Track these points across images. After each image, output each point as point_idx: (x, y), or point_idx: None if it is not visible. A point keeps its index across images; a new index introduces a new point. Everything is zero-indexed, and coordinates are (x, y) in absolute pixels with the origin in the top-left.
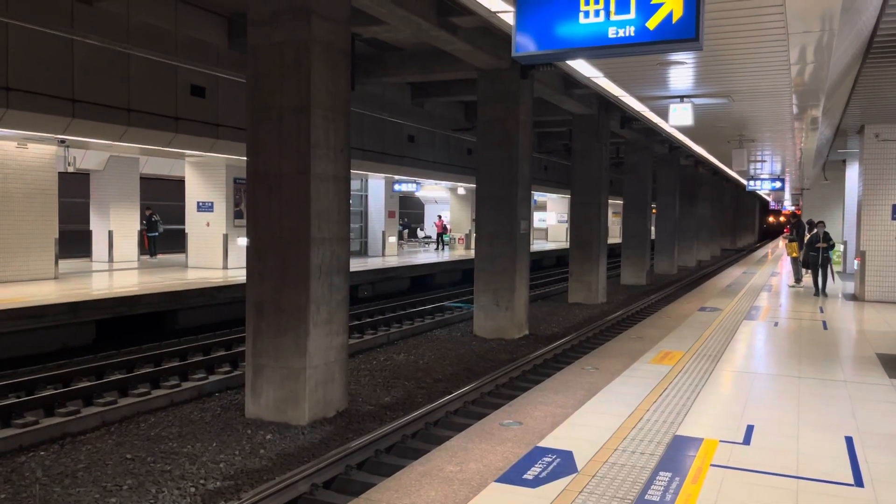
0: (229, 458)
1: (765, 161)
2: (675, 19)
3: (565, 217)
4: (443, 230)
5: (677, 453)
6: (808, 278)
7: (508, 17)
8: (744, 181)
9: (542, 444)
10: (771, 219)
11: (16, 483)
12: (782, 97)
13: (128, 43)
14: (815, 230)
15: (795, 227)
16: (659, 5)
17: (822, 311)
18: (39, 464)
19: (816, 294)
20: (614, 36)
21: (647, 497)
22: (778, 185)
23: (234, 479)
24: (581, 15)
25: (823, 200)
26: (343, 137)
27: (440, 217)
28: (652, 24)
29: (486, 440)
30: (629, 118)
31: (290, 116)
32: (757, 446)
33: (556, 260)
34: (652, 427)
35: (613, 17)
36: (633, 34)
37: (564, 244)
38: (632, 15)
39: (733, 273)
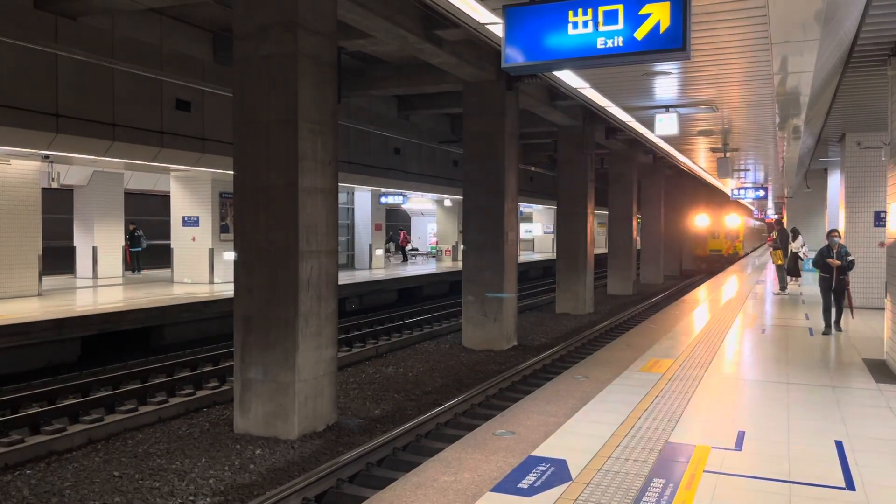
0: (219, 473)
1: (748, 170)
2: (662, 29)
3: (551, 228)
4: (405, 243)
5: (670, 460)
6: (793, 286)
7: (496, 29)
8: (728, 190)
9: (536, 453)
10: (706, 214)
11: (2, 502)
12: (765, 106)
13: (112, 58)
14: (827, 243)
15: (779, 234)
16: (646, 16)
17: (807, 317)
18: (26, 482)
19: (827, 331)
20: (603, 46)
21: None
22: (762, 193)
23: (223, 495)
24: (570, 26)
25: (806, 209)
26: (330, 150)
27: (402, 232)
28: (640, 34)
29: (480, 450)
30: (614, 129)
31: (278, 130)
32: (749, 452)
33: (543, 271)
34: (644, 434)
35: (602, 28)
36: (621, 45)
37: (551, 255)
38: (620, 26)
39: (719, 281)
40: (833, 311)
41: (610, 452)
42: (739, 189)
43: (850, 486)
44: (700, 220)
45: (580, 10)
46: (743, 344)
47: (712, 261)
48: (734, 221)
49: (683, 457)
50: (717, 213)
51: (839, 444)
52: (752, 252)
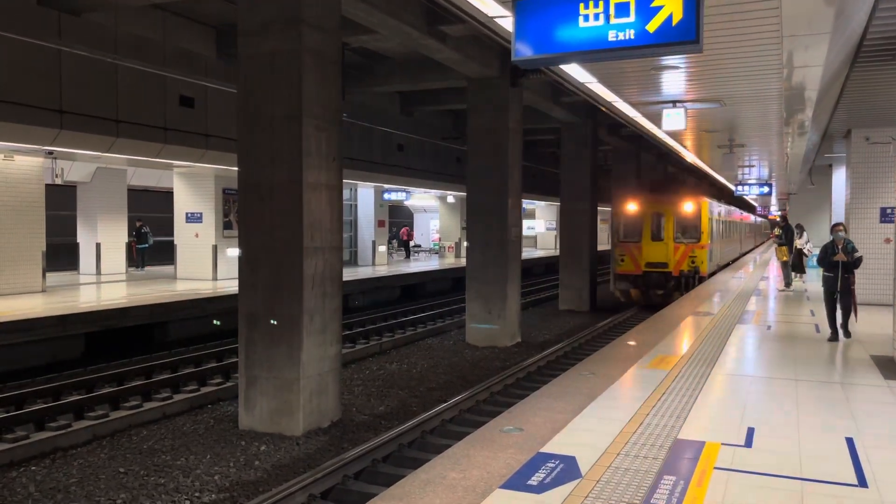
0: (224, 470)
1: (753, 166)
2: (674, 22)
3: (554, 224)
4: (408, 238)
5: (680, 457)
6: (797, 283)
7: (505, 23)
8: (732, 186)
9: (545, 449)
10: (634, 201)
11: (8, 499)
12: (773, 102)
13: (116, 54)
14: (832, 238)
15: (784, 230)
16: (659, 8)
17: (812, 314)
18: (31, 479)
19: (833, 338)
20: (614, 39)
21: (652, 501)
22: (766, 189)
23: (229, 492)
24: (581, 19)
25: (810, 205)
26: (334, 146)
27: (405, 228)
28: (652, 26)
29: (488, 447)
30: (617, 125)
31: (282, 126)
32: (759, 449)
33: (546, 268)
34: (653, 431)
35: (613, 21)
36: (633, 37)
37: (553, 252)
38: (632, 18)
39: (722, 277)
40: (839, 314)
41: (619, 449)
42: (742, 185)
43: (862, 482)
44: (627, 208)
45: (591, 3)
46: (749, 341)
47: (653, 284)
48: (692, 207)
49: (693, 453)
50: (661, 193)
51: (850, 441)
52: (737, 261)
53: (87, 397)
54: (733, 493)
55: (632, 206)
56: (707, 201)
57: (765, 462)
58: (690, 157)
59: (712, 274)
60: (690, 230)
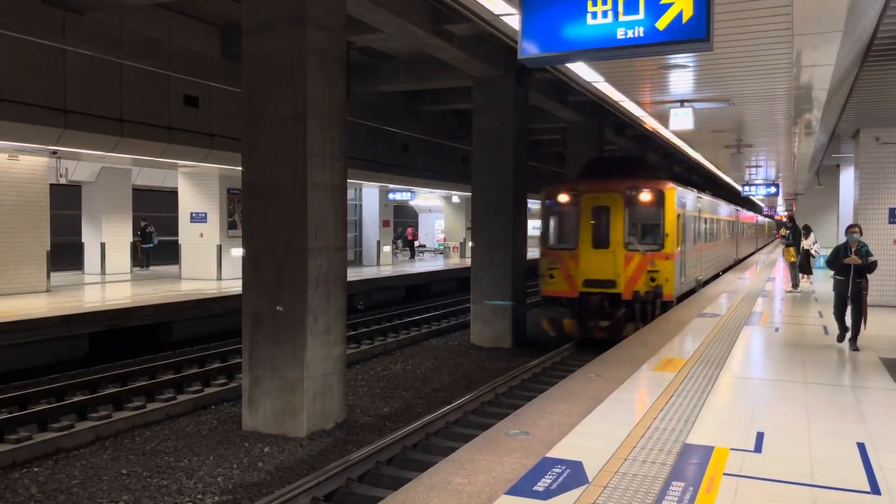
0: (227, 471)
1: (760, 166)
2: (685, 19)
3: None
4: (413, 238)
5: (688, 462)
6: (805, 284)
7: (511, 21)
8: (739, 187)
9: (551, 454)
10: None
11: (10, 500)
12: (782, 101)
13: (120, 53)
14: (846, 240)
15: (792, 231)
16: (668, 5)
17: (820, 315)
18: (34, 480)
19: (841, 339)
20: (623, 37)
21: None
22: (773, 190)
23: (232, 494)
24: (589, 16)
25: (817, 205)
26: (339, 146)
27: (410, 228)
28: (661, 24)
29: (494, 451)
30: (624, 125)
31: (286, 125)
32: (769, 454)
33: None
34: (661, 436)
35: (622, 18)
36: (642, 35)
37: None
38: (641, 15)
39: (728, 279)
40: (849, 320)
41: (626, 454)
42: (749, 185)
43: (875, 489)
44: (557, 198)
45: (600, 0)
46: (756, 343)
47: (593, 312)
48: (650, 196)
49: (702, 459)
50: (606, 178)
51: (861, 447)
52: (730, 270)
53: (90, 398)
54: (743, 500)
55: (563, 197)
56: (674, 188)
57: (775, 468)
58: (697, 156)
59: (685, 296)
60: (649, 232)
